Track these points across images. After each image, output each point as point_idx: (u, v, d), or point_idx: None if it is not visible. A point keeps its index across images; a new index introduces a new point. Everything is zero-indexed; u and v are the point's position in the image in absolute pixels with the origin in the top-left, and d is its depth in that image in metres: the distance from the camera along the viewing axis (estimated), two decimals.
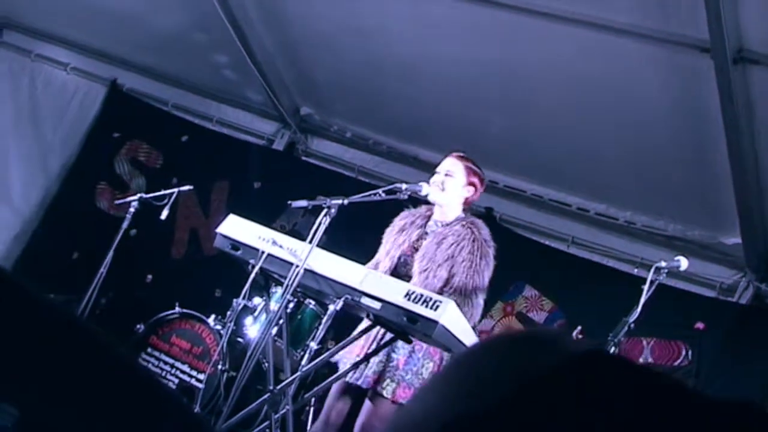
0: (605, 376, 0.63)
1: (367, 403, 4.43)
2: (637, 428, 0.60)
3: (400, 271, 4.52)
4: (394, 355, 4.35)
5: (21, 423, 0.78)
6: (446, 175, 4.57)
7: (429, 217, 4.68)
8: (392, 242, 4.64)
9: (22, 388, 0.76)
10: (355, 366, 4.34)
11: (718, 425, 0.60)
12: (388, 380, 4.32)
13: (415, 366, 4.36)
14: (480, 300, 4.43)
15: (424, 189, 4.51)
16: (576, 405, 0.61)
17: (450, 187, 4.57)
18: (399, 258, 4.55)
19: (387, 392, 4.30)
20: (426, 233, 4.59)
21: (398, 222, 4.74)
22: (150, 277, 7.82)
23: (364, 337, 4.45)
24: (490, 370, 0.66)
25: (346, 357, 4.47)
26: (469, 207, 4.72)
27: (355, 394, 4.51)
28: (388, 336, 4.26)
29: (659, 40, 5.27)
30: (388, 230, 4.78)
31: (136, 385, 0.79)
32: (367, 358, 4.31)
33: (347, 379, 4.40)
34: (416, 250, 4.53)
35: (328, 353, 4.39)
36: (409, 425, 0.68)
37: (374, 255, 4.74)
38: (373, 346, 4.37)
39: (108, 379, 0.77)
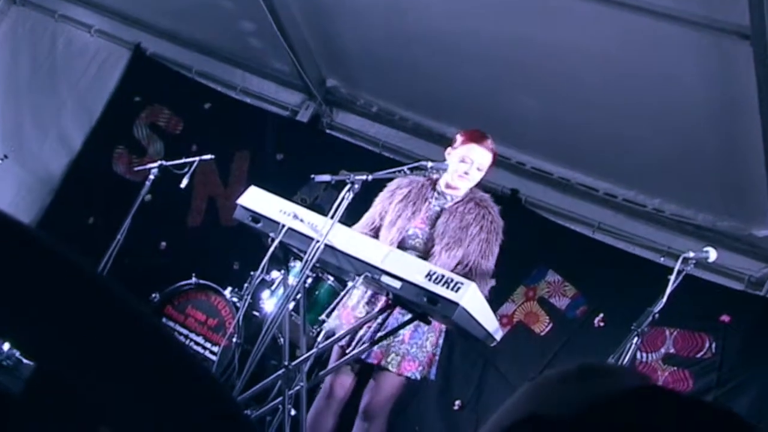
0: (658, 407, 0.73)
1: (371, 382, 4.44)
2: None
3: (407, 243, 4.43)
4: (399, 330, 4.28)
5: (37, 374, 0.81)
6: (477, 169, 4.47)
7: (433, 187, 4.57)
8: (395, 211, 4.52)
9: (40, 340, 0.75)
10: (353, 333, 4.33)
11: None
12: (393, 354, 4.32)
13: (420, 339, 4.37)
14: (490, 279, 4.41)
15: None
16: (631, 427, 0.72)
17: (476, 178, 4.50)
18: (407, 230, 4.45)
19: (392, 366, 4.31)
20: (437, 207, 4.49)
21: (398, 190, 4.61)
22: (164, 244, 7.74)
23: (361, 305, 4.42)
24: (565, 392, 0.77)
25: (345, 325, 4.42)
26: None
27: (359, 369, 4.49)
28: (397, 313, 4.22)
29: (699, 25, 5.12)
30: (384, 195, 4.68)
31: (162, 350, 0.77)
32: (380, 340, 4.24)
33: (348, 349, 4.36)
34: (430, 224, 4.44)
35: (343, 332, 4.31)
36: (491, 423, 0.79)
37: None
38: (376, 320, 4.31)
39: (133, 342, 0.75)
